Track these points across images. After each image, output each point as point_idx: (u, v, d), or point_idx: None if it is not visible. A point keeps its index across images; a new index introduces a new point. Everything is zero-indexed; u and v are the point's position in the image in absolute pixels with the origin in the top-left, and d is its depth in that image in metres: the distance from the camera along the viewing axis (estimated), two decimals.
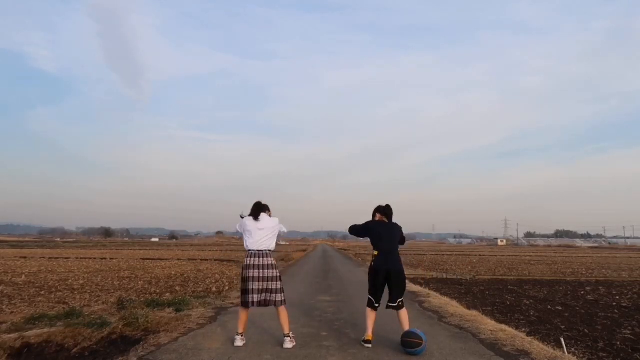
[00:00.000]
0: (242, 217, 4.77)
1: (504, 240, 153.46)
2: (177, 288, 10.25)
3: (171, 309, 6.71)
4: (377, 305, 4.64)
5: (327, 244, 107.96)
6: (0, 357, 4.23)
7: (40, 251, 38.32)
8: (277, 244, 4.89)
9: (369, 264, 4.88)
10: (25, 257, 26.20)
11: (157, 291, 9.66)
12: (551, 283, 13.87)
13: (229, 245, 71.39)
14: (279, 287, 4.59)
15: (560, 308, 8.62)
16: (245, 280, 4.58)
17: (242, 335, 4.59)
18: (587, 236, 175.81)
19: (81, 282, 11.71)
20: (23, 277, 13.09)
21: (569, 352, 4.74)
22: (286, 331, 4.56)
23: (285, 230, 4.90)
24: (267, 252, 4.64)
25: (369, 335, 4.61)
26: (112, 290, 9.80)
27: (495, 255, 38.91)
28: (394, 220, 4.92)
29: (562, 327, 6.75)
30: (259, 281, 4.50)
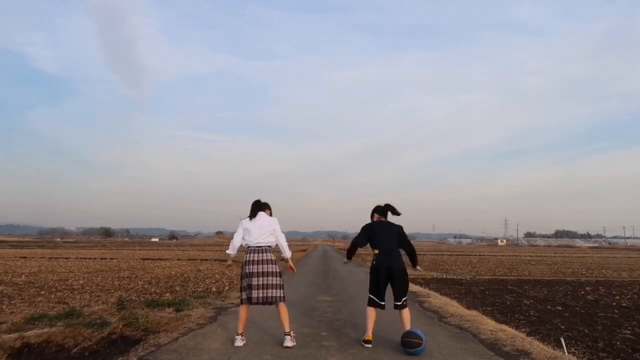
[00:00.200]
0: (241, 220, 4.80)
1: (504, 240, 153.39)
2: (177, 288, 10.24)
3: (171, 309, 6.70)
4: (382, 303, 4.61)
5: (327, 244, 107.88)
6: (0, 357, 4.23)
7: (40, 251, 38.29)
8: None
9: (369, 263, 4.88)
10: (25, 257, 26.19)
11: (157, 291, 9.65)
12: (551, 283, 13.87)
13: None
14: (279, 282, 4.57)
15: (560, 308, 8.62)
16: (244, 276, 4.58)
17: (242, 335, 4.58)
18: (587, 236, 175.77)
19: (81, 282, 11.70)
20: (23, 277, 13.09)
21: (569, 352, 4.74)
22: (286, 329, 4.55)
23: (288, 256, 4.84)
24: (267, 247, 4.63)
25: (369, 335, 4.59)
26: (112, 290, 9.80)
27: (495, 255, 38.90)
28: (394, 219, 4.92)
29: (562, 327, 6.75)
30: (257, 276, 4.48)
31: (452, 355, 4.27)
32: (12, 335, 4.73)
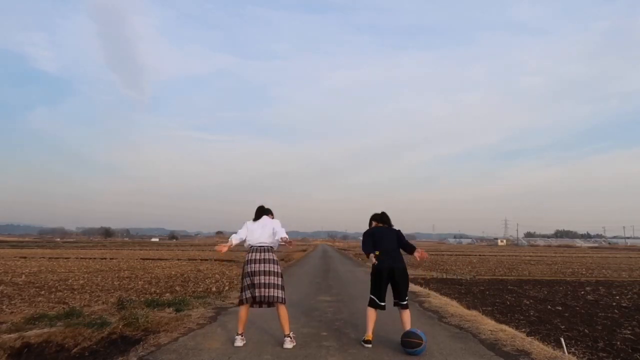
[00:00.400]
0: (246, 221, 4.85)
1: (504, 240, 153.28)
2: (177, 288, 10.24)
3: (171, 309, 6.71)
4: (382, 304, 4.64)
5: (327, 244, 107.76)
6: (0, 357, 4.23)
7: (40, 251, 38.29)
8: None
9: (369, 263, 4.89)
10: (25, 257, 26.19)
11: (157, 291, 9.65)
12: (551, 283, 13.86)
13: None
14: (279, 283, 4.58)
15: (560, 308, 8.62)
16: (245, 275, 4.59)
17: (242, 335, 4.59)
18: (587, 236, 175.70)
19: (81, 282, 11.70)
20: (23, 277, 13.09)
21: (569, 352, 4.74)
22: (286, 331, 4.56)
23: (286, 237, 4.84)
24: (269, 247, 4.65)
25: (369, 335, 4.61)
26: (112, 290, 9.80)
27: (495, 255, 38.89)
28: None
29: (562, 327, 6.75)
30: (259, 275, 4.49)
31: (452, 355, 4.28)
32: (12, 335, 4.73)
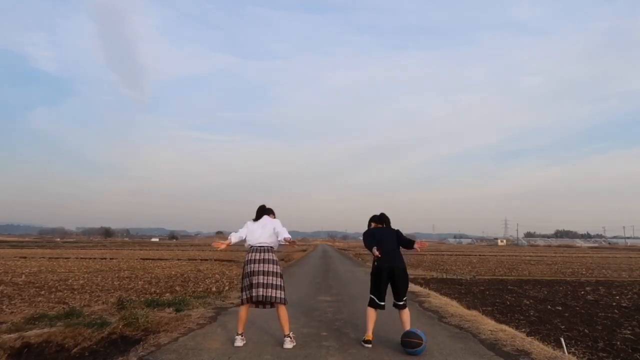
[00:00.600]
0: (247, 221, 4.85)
1: (504, 240, 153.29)
2: (177, 288, 10.24)
3: (171, 309, 6.71)
4: (381, 303, 4.65)
5: (327, 244, 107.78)
6: (0, 357, 4.23)
7: (40, 251, 38.29)
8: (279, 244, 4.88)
9: (369, 264, 4.89)
10: (25, 257, 26.19)
11: (157, 291, 9.65)
12: (551, 283, 13.87)
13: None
14: (279, 283, 4.58)
15: (560, 308, 8.62)
16: (246, 276, 4.59)
17: (242, 335, 4.59)
18: (587, 236, 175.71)
19: (81, 282, 11.70)
20: (23, 277, 13.09)
21: (569, 352, 4.74)
22: (286, 331, 4.56)
23: (289, 237, 4.78)
24: (268, 247, 4.65)
25: (369, 335, 4.61)
26: (112, 290, 9.80)
27: (495, 255, 38.90)
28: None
29: (562, 327, 6.75)
30: (259, 275, 4.49)
31: (452, 355, 4.28)
32: (12, 335, 4.73)
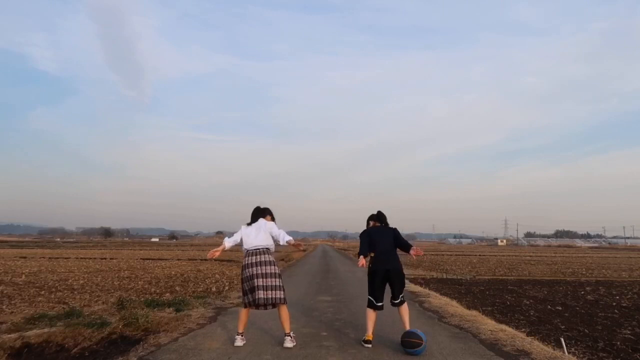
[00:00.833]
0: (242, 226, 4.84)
1: (504, 240, 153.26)
2: (177, 288, 10.24)
3: (171, 309, 6.70)
4: (378, 304, 4.67)
5: (327, 244, 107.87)
6: (0, 357, 4.23)
7: (40, 251, 38.29)
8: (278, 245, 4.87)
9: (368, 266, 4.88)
10: (25, 257, 26.19)
11: (157, 291, 9.65)
12: (551, 283, 13.86)
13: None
14: (279, 284, 4.58)
15: (560, 308, 8.62)
16: (245, 280, 4.59)
17: (242, 335, 4.59)
18: (587, 236, 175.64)
19: (81, 282, 11.70)
20: (23, 277, 13.08)
21: (569, 352, 4.74)
22: (287, 330, 4.56)
23: (291, 239, 4.77)
24: (265, 249, 4.64)
25: (369, 335, 4.62)
26: (112, 290, 9.80)
27: (495, 255, 38.89)
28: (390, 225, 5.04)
29: (562, 327, 6.75)
30: (258, 278, 4.48)
31: (452, 355, 4.27)
32: (12, 335, 4.73)
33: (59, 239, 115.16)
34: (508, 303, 9.19)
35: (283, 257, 25.56)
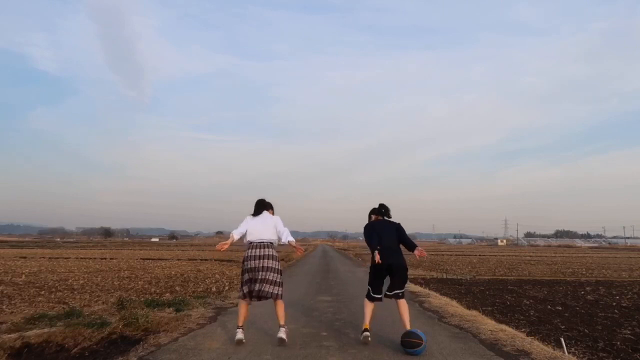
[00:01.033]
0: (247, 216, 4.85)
1: (504, 240, 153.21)
2: (177, 288, 10.24)
3: (171, 309, 6.70)
4: (376, 296, 4.70)
5: (327, 244, 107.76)
6: (0, 357, 4.23)
7: (40, 251, 38.28)
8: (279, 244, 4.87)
9: (369, 263, 4.88)
10: (25, 257, 26.18)
11: (157, 291, 9.65)
12: (551, 283, 13.86)
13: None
14: (278, 280, 4.59)
15: (560, 308, 8.61)
16: (245, 272, 4.60)
17: (242, 329, 4.58)
18: (587, 236, 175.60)
19: (81, 282, 11.70)
20: (23, 277, 13.08)
21: (569, 352, 4.74)
22: (282, 322, 4.61)
23: (293, 240, 4.79)
24: (268, 243, 4.65)
25: (366, 324, 4.67)
26: (112, 290, 9.80)
27: (495, 255, 38.88)
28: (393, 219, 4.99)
29: (562, 327, 6.75)
30: (258, 271, 4.50)
31: (452, 355, 4.27)
32: (12, 335, 4.72)
33: (59, 239, 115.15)
34: (508, 303, 9.19)
35: (283, 257, 25.54)
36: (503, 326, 5.81)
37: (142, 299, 7.74)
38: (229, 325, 5.53)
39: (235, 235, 4.70)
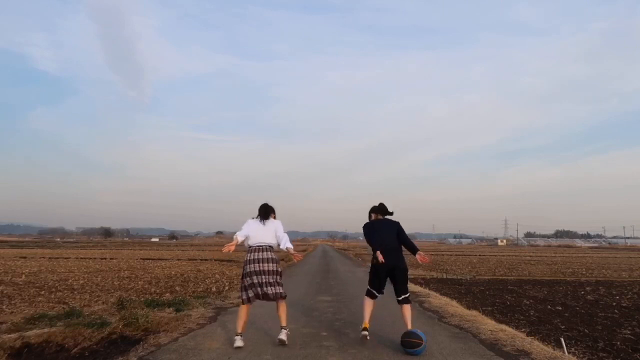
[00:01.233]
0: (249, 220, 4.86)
1: (504, 240, 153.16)
2: (177, 288, 10.24)
3: (171, 309, 6.70)
4: (376, 295, 4.74)
5: (327, 244, 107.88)
6: (0, 357, 4.23)
7: (40, 251, 38.27)
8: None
9: (369, 264, 4.89)
10: (25, 257, 26.18)
11: (157, 291, 9.65)
12: (551, 283, 13.86)
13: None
14: (279, 281, 4.62)
15: (560, 308, 8.61)
16: (246, 275, 4.60)
17: (241, 336, 4.57)
18: (587, 236, 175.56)
19: (81, 282, 11.69)
20: (23, 277, 13.07)
21: (569, 352, 4.74)
22: (283, 323, 4.61)
23: (291, 247, 4.76)
24: (268, 246, 4.67)
25: (366, 323, 4.69)
26: (112, 290, 9.79)
27: (495, 255, 38.88)
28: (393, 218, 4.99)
29: (562, 327, 6.75)
30: (258, 275, 4.51)
31: (452, 355, 4.27)
32: (12, 335, 4.72)
33: (59, 239, 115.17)
34: (508, 303, 9.19)
35: (283, 257, 25.53)
36: (503, 326, 5.81)
37: (142, 299, 7.74)
38: (229, 325, 5.53)
39: (240, 237, 4.70)
